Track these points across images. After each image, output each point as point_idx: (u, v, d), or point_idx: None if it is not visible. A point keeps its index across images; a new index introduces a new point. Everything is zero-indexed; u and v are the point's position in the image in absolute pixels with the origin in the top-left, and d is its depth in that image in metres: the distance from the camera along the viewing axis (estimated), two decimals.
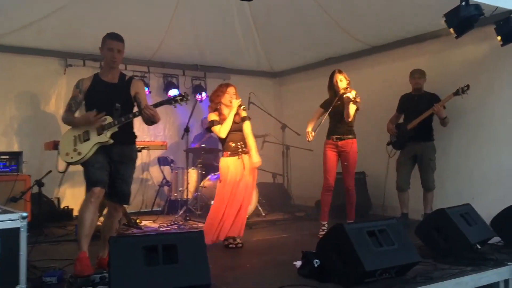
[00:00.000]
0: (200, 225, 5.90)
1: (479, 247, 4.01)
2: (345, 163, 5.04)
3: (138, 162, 7.30)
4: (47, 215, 6.01)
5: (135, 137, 3.88)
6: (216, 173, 6.49)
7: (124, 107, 3.63)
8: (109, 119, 3.59)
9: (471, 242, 3.87)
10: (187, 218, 6.18)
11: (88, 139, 3.56)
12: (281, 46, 7.68)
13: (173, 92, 7.61)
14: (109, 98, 3.64)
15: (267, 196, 7.12)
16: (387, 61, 6.77)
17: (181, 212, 6.36)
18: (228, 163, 4.70)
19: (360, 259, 3.03)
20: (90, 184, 3.46)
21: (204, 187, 6.54)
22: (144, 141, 6.07)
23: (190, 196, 6.57)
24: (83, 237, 3.34)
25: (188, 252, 2.83)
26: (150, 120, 3.65)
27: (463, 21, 4.26)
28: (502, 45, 4.82)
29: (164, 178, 7.24)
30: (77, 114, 3.80)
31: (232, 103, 4.72)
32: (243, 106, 4.81)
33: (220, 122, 4.74)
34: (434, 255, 3.96)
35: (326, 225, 5.05)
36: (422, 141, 5.54)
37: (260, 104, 7.16)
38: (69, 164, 3.60)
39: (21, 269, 2.54)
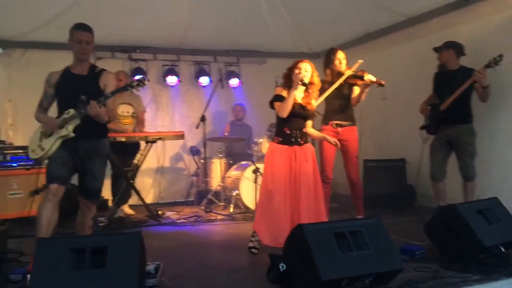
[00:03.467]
0: (219, 217, 5.71)
1: (503, 250, 3.36)
2: (346, 153, 4.53)
3: (173, 152, 7.44)
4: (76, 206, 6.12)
5: (106, 130, 3.71)
6: (245, 162, 6.24)
7: (92, 100, 3.46)
8: (71, 111, 3.46)
9: (486, 244, 3.22)
10: (208, 209, 6.00)
11: (51, 134, 3.47)
12: (315, 24, 7.14)
13: (204, 80, 7.44)
14: (76, 91, 3.51)
15: None
16: (424, 34, 6.01)
17: (203, 204, 6.19)
18: (275, 151, 3.91)
19: (316, 266, 2.60)
20: (48, 180, 3.37)
21: (228, 177, 6.31)
22: (159, 132, 5.95)
23: (215, 187, 6.38)
24: (41, 236, 3.25)
25: (119, 255, 2.61)
26: (99, 120, 3.44)
27: None
28: None
29: (198, 168, 7.13)
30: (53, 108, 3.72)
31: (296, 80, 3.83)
32: (303, 82, 3.83)
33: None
34: (442, 258, 3.39)
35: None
36: (457, 123, 4.79)
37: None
38: (35, 160, 3.53)
39: None
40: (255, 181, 5.66)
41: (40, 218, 3.27)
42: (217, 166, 6.50)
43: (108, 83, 3.64)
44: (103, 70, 3.73)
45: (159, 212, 5.95)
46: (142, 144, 5.82)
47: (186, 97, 7.57)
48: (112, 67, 6.85)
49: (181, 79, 7.34)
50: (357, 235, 2.85)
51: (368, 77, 4.37)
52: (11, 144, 5.98)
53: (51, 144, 3.43)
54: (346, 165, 4.60)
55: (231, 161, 6.64)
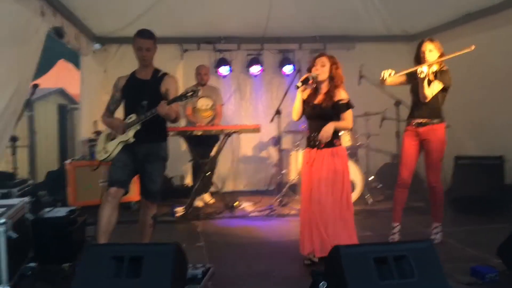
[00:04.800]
0: (293, 212, 5.64)
1: None
2: (427, 154, 4.12)
3: (256, 141, 7.47)
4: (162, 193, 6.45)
5: (166, 134, 3.82)
6: None
7: (153, 104, 3.55)
8: (133, 117, 3.61)
9: None
10: (283, 203, 5.96)
11: (114, 138, 3.66)
12: (409, 4, 6.58)
13: (287, 69, 7.32)
14: (139, 96, 3.65)
15: (386, 180, 6.34)
16: None
17: (279, 196, 6.16)
18: (303, 155, 3.86)
19: None
20: (108, 183, 3.56)
21: None
22: (235, 125, 5.99)
23: (292, 179, 6.31)
24: (101, 234, 3.47)
25: (154, 266, 2.68)
26: (168, 119, 3.54)
27: None
28: None
29: (280, 158, 7.09)
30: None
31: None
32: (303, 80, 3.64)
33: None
34: None
35: (399, 227, 4.26)
36: None
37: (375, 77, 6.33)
38: (100, 161, 3.76)
39: (2, 269, 2.78)
40: None
41: (100, 218, 3.49)
42: (294, 158, 6.39)
43: (170, 87, 3.72)
44: (165, 74, 3.82)
45: (235, 204, 6.06)
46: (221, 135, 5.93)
47: (270, 86, 7.52)
48: (198, 59, 7.16)
49: (264, 68, 7.29)
50: (402, 261, 2.61)
51: (421, 68, 3.91)
52: None
53: (114, 148, 3.62)
54: (426, 167, 4.21)
55: None
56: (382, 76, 4.10)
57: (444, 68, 4.11)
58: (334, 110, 3.66)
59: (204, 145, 6.04)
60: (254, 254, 3.98)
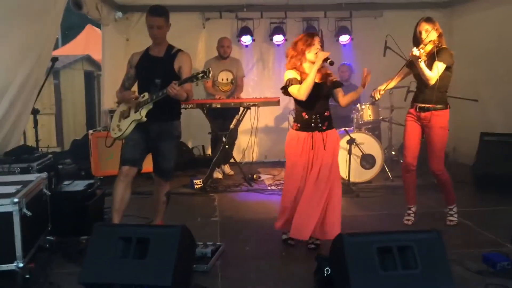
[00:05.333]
0: None
1: None
2: (429, 141, 3.99)
3: (278, 111, 7.39)
4: (182, 164, 6.55)
5: (179, 112, 3.80)
6: (344, 129, 5.98)
7: (166, 82, 3.50)
8: (146, 95, 3.61)
9: None
10: None
11: (128, 116, 3.68)
12: None
13: None
14: (152, 74, 3.63)
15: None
16: None
17: None
18: (294, 138, 3.66)
19: (350, 284, 2.43)
20: (121, 162, 3.61)
21: None
22: (254, 98, 5.93)
23: None
24: (114, 212, 3.56)
25: (158, 248, 2.74)
26: (179, 99, 3.53)
27: None
28: None
29: None
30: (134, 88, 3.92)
31: (317, 56, 3.53)
32: (330, 60, 3.53)
33: (301, 82, 3.58)
34: None
35: (414, 209, 4.19)
36: None
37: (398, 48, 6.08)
38: (114, 139, 3.80)
39: (17, 247, 2.90)
40: (349, 152, 5.42)
41: (114, 196, 3.57)
42: None
43: (183, 64, 3.67)
44: (179, 51, 3.76)
45: (254, 176, 6.09)
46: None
47: None
48: (220, 27, 7.07)
49: (287, 37, 7.10)
50: (406, 251, 2.57)
51: (413, 51, 3.76)
52: None
53: (127, 126, 3.64)
54: (428, 154, 4.08)
55: None
56: (373, 96, 4.15)
57: (441, 46, 3.92)
58: (332, 89, 3.69)
59: (223, 118, 6.04)
60: (265, 232, 4.00)
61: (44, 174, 3.57)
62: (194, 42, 7.27)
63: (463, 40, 6.72)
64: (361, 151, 5.68)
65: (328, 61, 3.52)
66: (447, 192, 4.11)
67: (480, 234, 3.86)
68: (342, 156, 5.55)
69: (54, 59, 4.55)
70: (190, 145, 7.21)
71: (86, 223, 3.76)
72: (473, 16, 6.79)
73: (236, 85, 6.13)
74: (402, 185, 4.48)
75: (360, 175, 5.80)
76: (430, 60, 3.86)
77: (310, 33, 3.77)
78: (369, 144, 5.71)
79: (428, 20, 3.94)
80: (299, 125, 3.67)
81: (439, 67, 3.80)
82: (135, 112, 3.63)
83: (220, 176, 6.20)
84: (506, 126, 5.73)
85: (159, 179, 3.80)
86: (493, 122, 6.03)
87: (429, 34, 3.86)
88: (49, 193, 3.58)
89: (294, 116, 3.79)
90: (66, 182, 4.24)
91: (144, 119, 3.58)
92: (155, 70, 3.64)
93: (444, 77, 3.91)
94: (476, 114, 6.30)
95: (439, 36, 3.91)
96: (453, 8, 7.35)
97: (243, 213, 4.70)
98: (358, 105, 6.01)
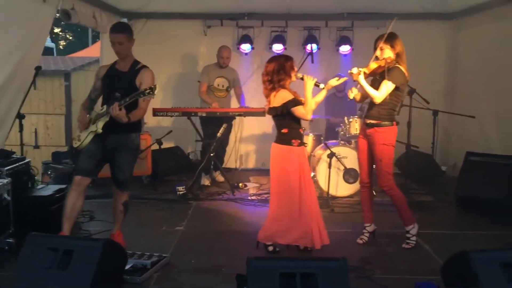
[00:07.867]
0: None
1: None
2: (374, 157, 3.98)
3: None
4: (174, 168, 6.71)
5: (137, 126, 3.90)
6: (333, 141, 5.95)
7: (126, 96, 3.64)
8: (104, 108, 3.74)
9: None
10: None
11: (87, 128, 3.84)
12: None
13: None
14: (114, 87, 3.76)
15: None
16: None
17: None
18: (295, 154, 3.87)
19: None
20: (74, 172, 3.77)
21: (313, 155, 6.09)
22: (240, 108, 6.00)
23: None
24: (64, 220, 3.71)
25: (80, 261, 2.86)
26: (118, 120, 3.59)
27: None
28: None
29: None
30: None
31: (305, 79, 3.86)
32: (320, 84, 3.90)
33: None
34: None
35: (370, 228, 4.14)
36: None
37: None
38: (75, 148, 3.96)
39: None
40: (329, 166, 5.39)
41: (66, 205, 3.73)
42: (307, 141, 6.30)
43: (143, 80, 3.75)
44: (143, 67, 3.85)
45: (240, 184, 6.15)
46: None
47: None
48: (221, 35, 7.18)
49: (287, 46, 7.10)
50: (310, 278, 2.57)
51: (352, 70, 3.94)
52: None
53: (85, 137, 3.79)
54: (376, 171, 4.05)
55: (321, 138, 6.37)
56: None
57: (392, 66, 3.85)
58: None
59: (212, 125, 6.12)
60: (222, 245, 4.06)
61: (6, 180, 3.79)
62: (196, 49, 7.44)
63: (470, 50, 6.66)
64: (343, 166, 5.62)
65: (320, 85, 3.89)
66: (400, 211, 4.01)
67: (432, 261, 3.74)
68: (323, 170, 5.58)
69: (38, 68, 4.77)
70: (189, 150, 7.36)
71: (50, 228, 3.94)
72: (476, 29, 6.58)
73: (237, 94, 6.39)
74: (384, 202, 4.48)
75: (344, 189, 5.76)
76: (381, 78, 3.82)
77: (288, 56, 4.06)
78: (352, 158, 5.63)
79: (389, 38, 3.89)
80: (299, 141, 3.89)
81: (388, 86, 3.78)
82: (93, 124, 3.79)
83: (207, 183, 6.30)
84: (501, 149, 5.49)
85: (115, 189, 3.94)
86: (488, 145, 5.78)
87: (383, 52, 3.83)
88: (9, 198, 3.79)
89: (288, 134, 3.89)
90: (39, 186, 4.46)
91: (100, 131, 3.71)
92: (117, 84, 3.77)
93: (393, 95, 3.86)
94: (477, 131, 6.09)
95: (397, 55, 3.85)
96: (458, 19, 7.13)
97: (210, 224, 4.76)
98: (345, 119, 5.94)
